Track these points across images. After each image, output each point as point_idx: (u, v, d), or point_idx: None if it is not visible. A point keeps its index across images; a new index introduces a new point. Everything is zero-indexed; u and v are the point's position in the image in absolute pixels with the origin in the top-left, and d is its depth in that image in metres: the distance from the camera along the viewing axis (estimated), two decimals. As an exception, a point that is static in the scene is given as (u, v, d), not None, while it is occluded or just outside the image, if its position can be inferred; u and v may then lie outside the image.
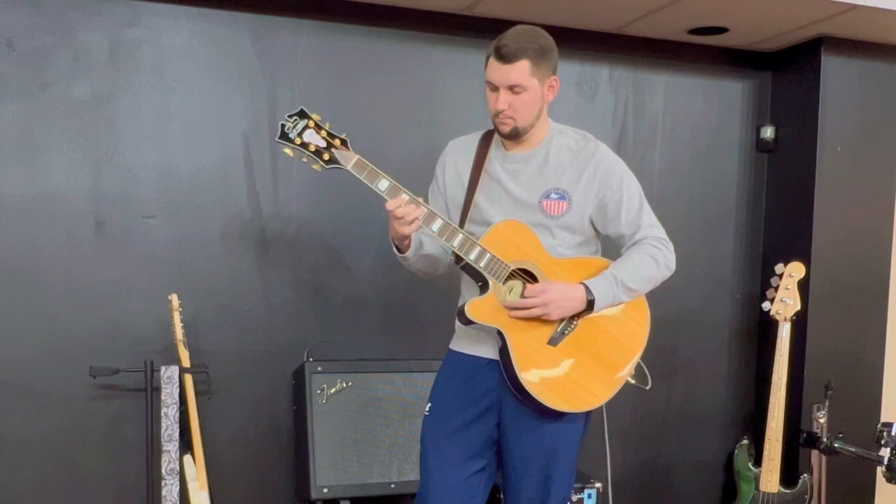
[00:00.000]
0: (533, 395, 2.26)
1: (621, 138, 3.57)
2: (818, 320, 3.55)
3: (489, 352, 2.35)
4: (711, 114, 3.72)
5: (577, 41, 3.43)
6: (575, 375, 2.30)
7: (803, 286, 3.34)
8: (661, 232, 2.41)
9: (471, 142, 2.45)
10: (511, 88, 2.25)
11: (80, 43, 2.91)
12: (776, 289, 3.34)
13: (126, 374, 2.89)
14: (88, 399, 2.96)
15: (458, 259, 2.32)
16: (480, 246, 2.28)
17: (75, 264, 2.94)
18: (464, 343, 2.43)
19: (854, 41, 3.50)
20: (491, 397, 2.37)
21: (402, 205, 2.23)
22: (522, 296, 2.28)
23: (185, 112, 3.03)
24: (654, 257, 2.36)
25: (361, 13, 3.17)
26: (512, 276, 2.29)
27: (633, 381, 2.38)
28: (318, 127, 2.30)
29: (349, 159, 2.29)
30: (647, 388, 2.40)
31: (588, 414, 2.40)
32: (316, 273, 3.22)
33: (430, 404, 2.47)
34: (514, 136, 2.34)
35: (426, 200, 2.41)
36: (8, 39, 2.84)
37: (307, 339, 3.15)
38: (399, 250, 2.38)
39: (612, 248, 2.46)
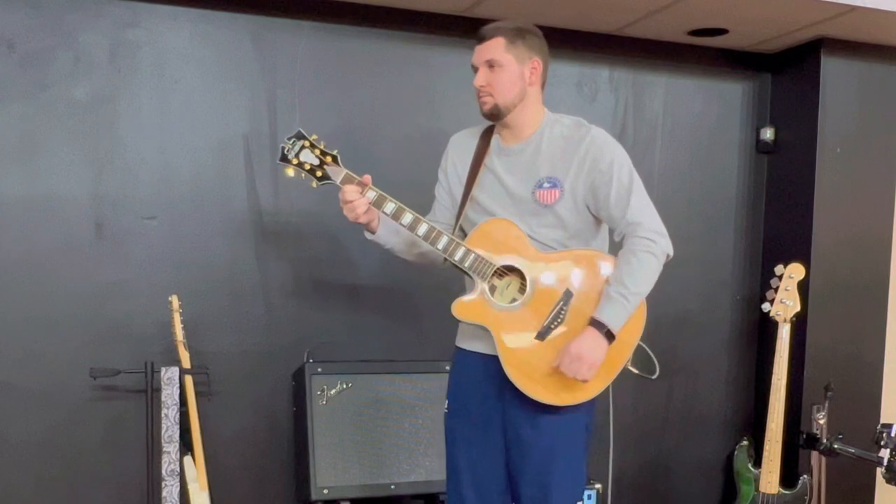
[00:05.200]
0: (521, 389, 2.29)
1: (621, 139, 3.49)
2: (818, 321, 3.55)
3: (488, 347, 2.37)
4: (711, 115, 3.72)
5: (577, 42, 3.43)
6: None
7: (803, 287, 3.34)
8: (650, 218, 2.33)
9: (471, 136, 2.49)
10: (488, 64, 2.32)
11: (81, 44, 2.90)
12: (776, 290, 3.34)
13: (126, 375, 2.89)
14: (88, 400, 2.96)
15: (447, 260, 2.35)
16: (465, 246, 2.31)
17: (75, 265, 2.94)
18: (466, 340, 2.45)
19: (854, 43, 3.50)
20: (494, 393, 2.38)
21: (350, 192, 2.32)
22: (520, 291, 2.30)
23: (186, 113, 3.03)
24: (650, 251, 2.30)
25: (361, 15, 3.17)
26: (503, 273, 2.31)
27: (635, 371, 2.36)
28: (312, 146, 2.38)
29: (338, 174, 2.37)
30: (654, 377, 2.39)
31: (591, 413, 2.40)
32: (316, 274, 3.22)
33: (447, 402, 2.50)
34: (496, 116, 2.36)
35: (436, 199, 2.48)
36: (8, 40, 2.83)
37: (307, 340, 3.15)
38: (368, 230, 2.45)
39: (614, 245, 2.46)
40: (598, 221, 2.41)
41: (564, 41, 3.30)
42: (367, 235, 2.46)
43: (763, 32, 3.44)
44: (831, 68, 3.51)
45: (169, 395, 2.81)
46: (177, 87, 3.02)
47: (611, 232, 2.43)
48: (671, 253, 2.36)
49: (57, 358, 2.92)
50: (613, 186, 2.31)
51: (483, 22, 3.23)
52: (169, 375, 2.82)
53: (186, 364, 2.87)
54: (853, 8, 3.09)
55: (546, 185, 2.33)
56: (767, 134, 3.72)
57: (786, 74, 3.69)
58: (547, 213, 2.33)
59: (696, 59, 3.65)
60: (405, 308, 3.31)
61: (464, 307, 2.34)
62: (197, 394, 2.89)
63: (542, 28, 2.41)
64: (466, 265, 2.31)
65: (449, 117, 3.30)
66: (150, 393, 2.88)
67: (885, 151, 3.66)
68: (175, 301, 2.87)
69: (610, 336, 2.26)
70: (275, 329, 3.17)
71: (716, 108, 3.72)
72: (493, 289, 2.32)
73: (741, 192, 3.78)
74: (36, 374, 2.91)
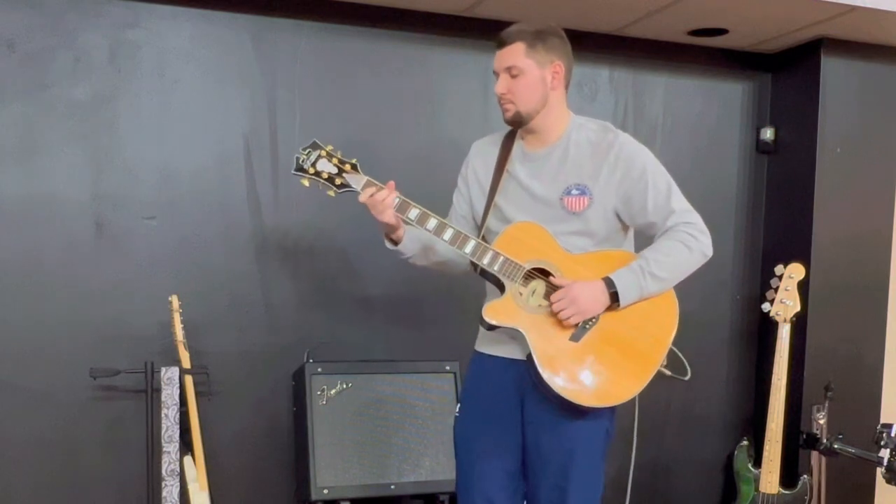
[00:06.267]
0: (559, 393, 2.24)
1: (621, 139, 3.57)
2: (818, 321, 3.55)
3: (510, 352, 2.35)
4: (711, 115, 3.72)
5: (577, 43, 3.38)
6: (601, 370, 2.28)
7: (803, 287, 3.34)
8: (694, 217, 2.33)
9: (493, 142, 2.45)
10: (508, 71, 2.27)
11: (81, 44, 2.91)
12: (776, 290, 3.34)
13: (126, 375, 2.89)
14: (89, 400, 2.96)
15: (475, 265, 2.32)
16: (493, 250, 2.28)
17: (75, 265, 2.94)
18: (486, 344, 2.43)
19: (854, 43, 3.50)
20: (513, 398, 2.36)
21: (371, 194, 2.28)
22: (546, 297, 2.27)
23: (186, 113, 3.03)
24: (685, 243, 2.29)
25: (362, 15, 3.17)
26: (531, 276, 2.28)
27: (668, 373, 2.34)
28: (329, 155, 2.36)
29: (359, 181, 2.34)
30: (686, 378, 2.38)
31: (612, 419, 2.38)
32: (316, 274, 3.23)
33: (459, 405, 2.49)
34: (518, 123, 2.33)
35: (452, 205, 2.47)
36: (9, 40, 2.84)
37: (307, 340, 3.15)
38: (393, 243, 2.40)
39: (641, 242, 2.44)
40: (624, 228, 2.37)
41: (564, 41, 3.30)
42: (389, 245, 2.41)
43: (763, 32, 3.44)
44: (831, 68, 3.51)
45: (169, 395, 2.81)
46: (177, 87, 3.02)
47: (636, 236, 2.42)
48: (709, 254, 2.34)
49: (57, 358, 2.92)
50: (650, 193, 2.29)
51: (483, 22, 3.27)
52: (169, 375, 2.82)
53: (186, 364, 2.87)
54: (853, 8, 3.09)
55: (574, 191, 2.29)
56: (767, 134, 3.72)
57: (786, 74, 3.69)
58: (574, 220, 2.30)
59: (696, 59, 3.65)
60: (406, 308, 3.31)
61: (495, 310, 2.29)
62: (197, 394, 2.89)
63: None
64: (496, 268, 2.27)
65: (449, 118, 3.31)
66: (150, 393, 2.88)
67: (885, 151, 3.66)
68: (175, 301, 2.87)
69: (615, 299, 2.24)
70: (275, 329, 3.17)
71: (716, 108, 3.72)
72: (518, 294, 2.29)
73: (741, 192, 3.78)
74: (36, 374, 2.91)
